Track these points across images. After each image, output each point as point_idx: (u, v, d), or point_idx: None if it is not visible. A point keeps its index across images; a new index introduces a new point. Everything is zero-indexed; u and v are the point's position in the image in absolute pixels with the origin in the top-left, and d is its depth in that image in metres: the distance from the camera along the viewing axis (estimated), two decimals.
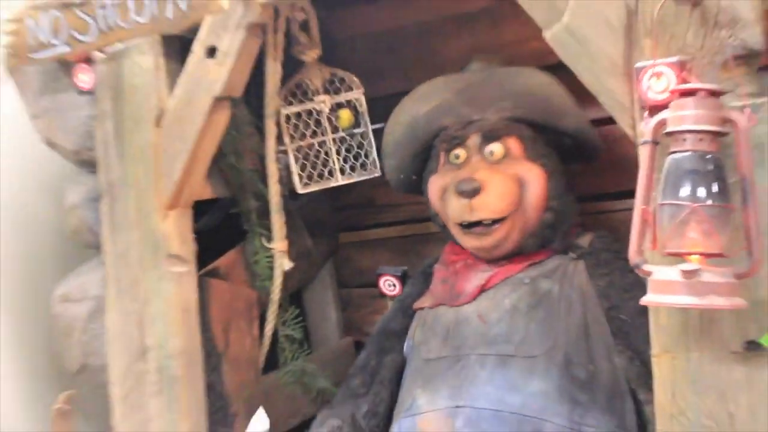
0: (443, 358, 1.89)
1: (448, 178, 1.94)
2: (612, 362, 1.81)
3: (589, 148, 1.98)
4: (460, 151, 1.92)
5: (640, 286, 1.70)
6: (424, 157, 2.01)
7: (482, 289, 1.92)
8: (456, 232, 1.96)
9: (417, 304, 2.06)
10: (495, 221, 1.87)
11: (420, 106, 1.98)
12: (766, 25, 1.43)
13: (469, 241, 1.93)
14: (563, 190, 1.94)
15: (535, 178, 1.89)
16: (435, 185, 1.97)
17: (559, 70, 1.84)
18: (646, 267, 1.42)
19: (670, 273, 1.36)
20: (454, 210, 1.90)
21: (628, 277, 1.87)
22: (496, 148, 1.88)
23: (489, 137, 1.88)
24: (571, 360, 1.79)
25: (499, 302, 1.89)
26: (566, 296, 1.87)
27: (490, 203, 1.85)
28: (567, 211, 1.96)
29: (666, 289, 1.37)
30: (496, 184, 1.85)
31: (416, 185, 2.08)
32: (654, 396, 1.55)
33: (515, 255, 1.93)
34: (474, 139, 1.90)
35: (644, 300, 1.42)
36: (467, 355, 1.84)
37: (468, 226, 1.90)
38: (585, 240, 1.98)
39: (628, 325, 1.82)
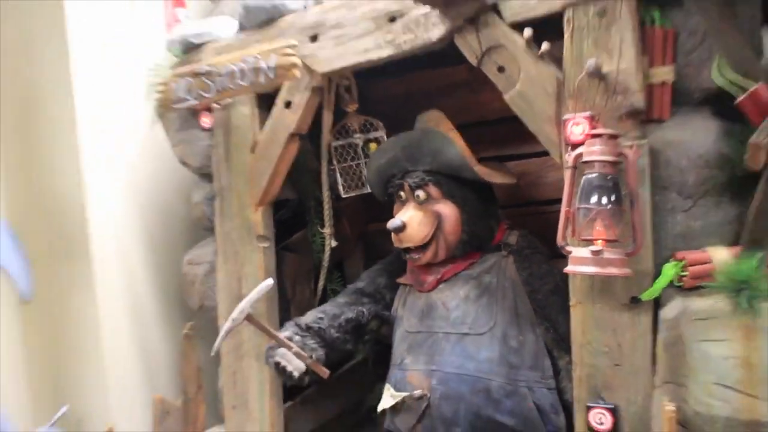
0: (420, 332, 1.77)
1: (398, 210, 1.83)
2: (535, 332, 1.70)
3: (486, 186, 1.82)
4: (401, 193, 1.80)
5: (552, 274, 1.73)
6: (387, 188, 1.86)
7: (439, 282, 1.79)
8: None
9: (400, 280, 1.91)
10: (419, 247, 1.75)
11: (381, 158, 1.84)
12: (647, 94, 1.41)
13: (407, 259, 1.82)
14: (476, 215, 1.78)
15: (449, 212, 1.74)
16: (394, 212, 1.84)
17: (514, 120, 1.85)
18: (568, 248, 1.41)
19: (584, 252, 1.35)
20: (393, 240, 1.79)
21: (543, 268, 1.75)
22: (420, 193, 1.75)
23: (415, 186, 1.75)
24: (507, 334, 1.68)
25: (456, 293, 1.76)
26: (502, 286, 1.74)
27: (412, 236, 1.73)
28: (481, 229, 1.79)
29: (581, 262, 1.36)
30: (415, 222, 1.73)
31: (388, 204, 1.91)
32: (571, 332, 1.51)
33: (454, 258, 1.78)
34: (407, 187, 1.77)
35: (567, 269, 1.40)
36: (436, 332, 1.74)
37: (403, 251, 1.80)
38: (513, 238, 1.81)
39: (544, 304, 1.71)
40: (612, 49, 1.40)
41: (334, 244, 2.05)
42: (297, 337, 1.75)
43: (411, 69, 1.95)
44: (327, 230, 2.04)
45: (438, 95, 2.10)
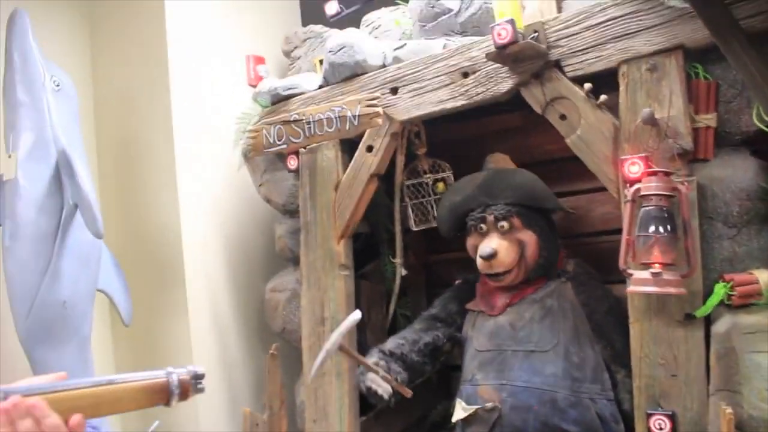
0: (489, 351, 1.87)
1: (477, 240, 1.91)
2: (594, 349, 1.79)
3: (555, 211, 1.96)
4: (482, 225, 1.88)
5: (606, 297, 1.86)
6: (461, 225, 1.96)
7: (508, 305, 1.89)
8: (482, 275, 1.95)
9: (469, 306, 2.02)
10: (505, 272, 1.86)
11: (456, 196, 1.95)
12: (693, 137, 1.54)
13: (492, 282, 1.91)
14: (549, 242, 1.89)
15: (530, 240, 1.85)
16: (469, 243, 1.94)
17: (563, 162, 1.98)
18: (630, 271, 1.54)
19: (644, 274, 1.48)
20: (480, 266, 1.87)
21: (598, 292, 1.87)
22: (504, 224, 1.84)
23: (499, 217, 1.85)
24: (569, 351, 1.78)
25: (521, 315, 1.86)
26: (562, 308, 1.84)
27: (501, 262, 1.83)
28: (553, 255, 1.91)
29: (642, 283, 1.48)
30: (504, 250, 1.83)
31: (456, 238, 2.02)
32: (631, 347, 1.61)
33: (524, 283, 1.89)
34: (490, 218, 1.86)
35: (629, 289, 1.52)
36: (505, 350, 1.84)
37: (489, 276, 1.90)
38: (570, 266, 1.92)
39: (601, 323, 1.81)
40: (662, 99, 1.56)
41: (404, 272, 2.18)
42: (382, 362, 1.86)
43: (470, 116, 2.06)
44: (398, 260, 2.17)
45: (494, 139, 2.23)
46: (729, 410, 1.37)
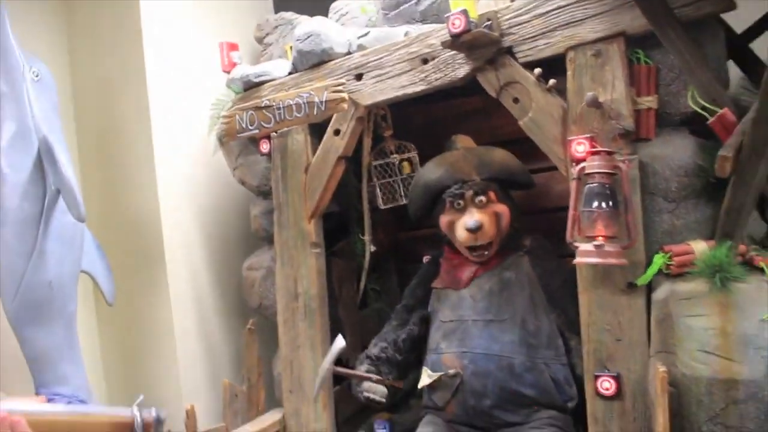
0: (452, 321, 1.97)
1: (453, 216, 1.98)
2: (548, 318, 1.92)
3: (529, 186, 2.07)
4: (460, 201, 1.96)
5: (560, 270, 1.96)
6: (432, 204, 2.04)
7: (472, 278, 2.00)
8: (463, 249, 2.01)
9: (434, 284, 2.10)
10: (488, 243, 1.96)
11: (431, 175, 2.02)
12: (635, 118, 1.64)
13: (473, 256, 1.99)
14: (516, 215, 2.01)
15: (504, 213, 1.96)
16: (444, 220, 2.00)
17: (524, 142, 2.00)
18: (576, 244, 1.64)
19: (588, 246, 1.57)
20: (464, 239, 1.95)
21: (553, 265, 1.98)
22: (482, 198, 1.93)
23: (478, 192, 1.93)
24: (525, 320, 1.89)
25: (482, 287, 1.97)
26: (519, 280, 1.95)
27: (486, 234, 1.93)
28: (520, 228, 2.04)
29: (587, 255, 1.58)
30: (487, 222, 1.93)
31: (423, 218, 2.11)
32: (580, 314, 1.71)
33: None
34: (469, 193, 1.94)
35: (575, 261, 1.62)
36: (466, 320, 1.94)
37: (472, 249, 1.98)
38: (527, 241, 2.03)
39: (556, 294, 1.93)
40: (606, 83, 1.65)
41: (373, 249, 2.28)
42: (373, 368, 2.01)
43: (434, 100, 2.14)
44: (367, 237, 2.27)
45: (456, 121, 2.32)
46: (662, 369, 1.48)
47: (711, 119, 1.56)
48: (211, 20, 2.67)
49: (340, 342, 1.91)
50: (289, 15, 2.49)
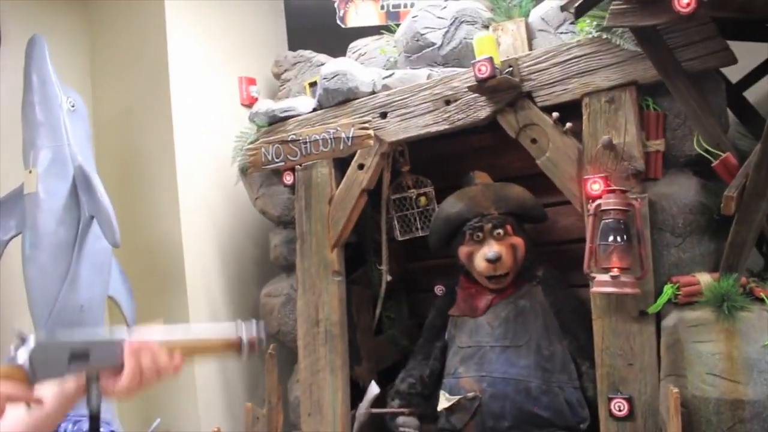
0: (470, 347, 2.10)
1: (472, 248, 2.13)
2: (561, 344, 2.05)
3: (542, 219, 2.23)
4: (479, 233, 2.11)
5: (571, 298, 2.12)
6: (452, 235, 2.19)
7: (488, 307, 2.14)
8: (481, 279, 2.15)
9: (451, 312, 2.24)
10: (506, 273, 2.12)
11: (451, 209, 2.17)
12: (646, 159, 1.82)
13: (491, 285, 2.14)
14: (530, 247, 2.16)
15: (520, 245, 2.11)
16: (463, 251, 2.15)
17: (531, 178, 2.16)
18: (593, 274, 1.80)
19: (605, 277, 1.73)
20: (484, 269, 2.10)
21: (565, 293, 2.14)
22: (500, 231, 2.09)
23: (496, 225, 2.10)
24: (540, 345, 2.03)
25: (498, 314, 2.11)
26: (533, 308, 2.10)
27: (504, 264, 2.08)
28: (533, 259, 2.17)
29: (603, 284, 1.74)
30: (505, 253, 2.08)
31: (442, 249, 2.26)
32: (594, 340, 1.86)
33: (503, 287, 2.15)
34: (488, 226, 2.10)
35: (593, 290, 1.78)
36: (484, 346, 2.08)
37: (491, 278, 2.13)
38: (540, 271, 2.17)
39: (568, 321, 2.08)
40: (619, 127, 1.84)
41: (389, 278, 2.41)
42: (404, 402, 2.19)
43: (447, 136, 2.26)
44: (384, 267, 2.40)
45: (468, 157, 2.47)
46: (675, 390, 1.64)
47: (715, 162, 1.74)
48: (230, 55, 2.83)
49: (374, 389, 2.11)
50: (308, 53, 2.66)
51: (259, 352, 1.27)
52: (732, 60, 1.75)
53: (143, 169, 2.58)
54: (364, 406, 2.08)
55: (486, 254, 2.10)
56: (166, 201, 2.52)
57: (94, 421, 1.12)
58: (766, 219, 1.70)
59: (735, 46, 1.74)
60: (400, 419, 2.15)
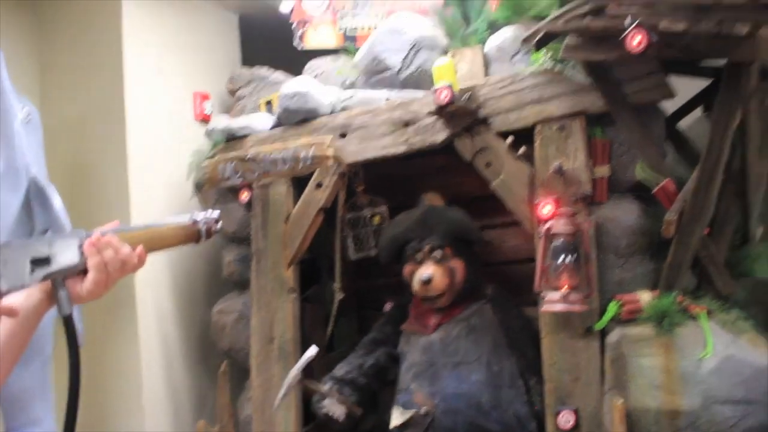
0: (423, 363, 2.17)
1: (413, 267, 2.20)
2: (510, 360, 2.13)
3: (480, 244, 2.30)
4: (419, 254, 2.18)
5: (520, 316, 2.23)
6: (399, 254, 2.25)
7: (438, 325, 2.21)
8: (418, 297, 2.24)
9: (404, 327, 2.31)
10: (438, 295, 2.18)
11: (396, 229, 2.27)
12: (592, 184, 1.95)
13: (425, 305, 2.23)
14: (473, 270, 2.23)
15: (458, 268, 2.18)
16: (406, 270, 2.23)
17: (483, 199, 2.26)
18: (543, 293, 1.93)
19: (555, 295, 1.86)
20: (417, 290, 2.18)
21: (513, 312, 2.23)
22: (438, 253, 2.16)
23: (434, 247, 2.17)
24: (490, 362, 2.11)
25: (450, 332, 2.18)
26: (483, 326, 2.17)
27: (436, 287, 2.15)
28: (476, 281, 2.24)
29: (553, 302, 1.86)
30: (438, 276, 2.15)
31: (392, 263, 2.31)
32: (542, 356, 1.97)
33: (452, 305, 2.21)
34: (426, 248, 2.17)
35: (543, 308, 1.90)
36: (435, 363, 2.15)
37: (424, 299, 2.21)
38: (489, 290, 2.25)
39: (516, 338, 2.16)
40: (569, 154, 1.97)
41: (341, 296, 2.46)
42: (336, 387, 2.19)
43: (401, 156, 2.34)
44: (337, 285, 2.45)
45: (422, 178, 2.50)
46: (620, 402, 1.78)
47: (656, 188, 1.90)
48: (185, 69, 2.85)
49: (312, 350, 2.09)
50: (264, 70, 2.71)
51: (214, 235, 1.28)
52: (671, 94, 1.92)
53: (94, 180, 2.56)
54: (296, 368, 2.04)
55: (419, 275, 2.19)
56: (118, 215, 2.49)
57: (70, 327, 1.12)
58: (701, 241, 1.86)
59: (671, 80, 1.91)
60: (327, 401, 2.14)
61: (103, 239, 1.14)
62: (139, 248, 1.18)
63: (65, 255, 1.12)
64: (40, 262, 1.10)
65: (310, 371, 2.26)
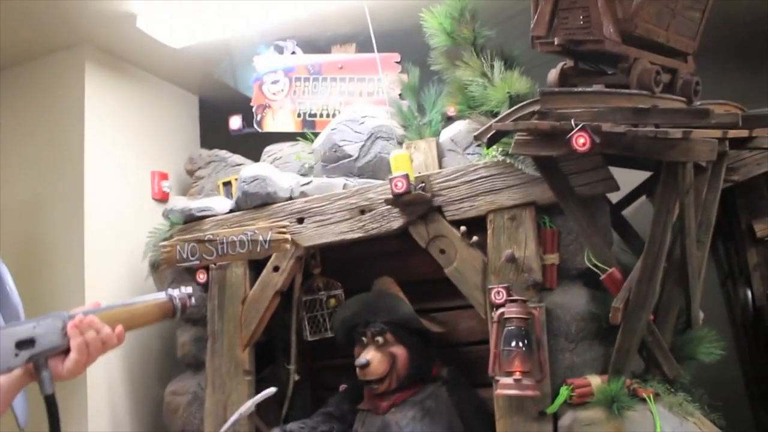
0: None
1: (360, 350, 2.26)
2: None
3: (422, 333, 2.30)
4: (363, 338, 2.25)
5: (474, 398, 2.28)
6: (350, 335, 2.32)
7: (391, 406, 2.22)
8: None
9: (360, 406, 2.32)
10: (378, 380, 2.21)
11: (346, 312, 2.33)
12: (543, 271, 2.02)
13: (367, 388, 2.28)
14: (420, 355, 2.26)
15: (401, 353, 2.23)
16: (356, 352, 2.28)
17: (437, 282, 2.28)
18: (497, 377, 1.95)
19: (508, 380, 1.88)
20: (358, 374, 2.22)
21: (467, 394, 2.27)
22: (380, 338, 2.22)
23: (376, 333, 2.23)
24: None
25: (405, 414, 2.19)
26: (439, 409, 2.20)
27: (373, 371, 2.20)
28: (424, 366, 2.28)
29: (507, 387, 1.89)
30: (377, 361, 2.20)
31: (346, 346, 2.37)
32: None
33: (402, 389, 2.24)
34: (369, 334, 2.24)
35: (497, 392, 1.94)
36: None
37: (364, 383, 2.25)
38: (444, 372, 2.29)
39: (470, 420, 2.20)
40: (520, 242, 2.05)
41: (297, 377, 2.48)
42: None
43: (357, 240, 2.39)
44: (293, 366, 2.47)
45: (378, 260, 2.57)
46: None
47: (603, 276, 1.97)
48: (144, 147, 2.90)
49: (270, 390, 2.06)
50: (223, 153, 2.78)
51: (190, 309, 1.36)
52: (615, 187, 2.02)
53: (49, 258, 2.55)
54: (252, 402, 1.99)
55: (357, 360, 2.24)
56: (72, 293, 2.49)
57: (52, 406, 1.17)
58: (647, 327, 1.95)
59: (615, 170, 2.02)
60: None
61: (85, 321, 1.20)
62: (119, 328, 1.24)
63: (48, 337, 1.18)
64: (24, 344, 1.15)
65: None
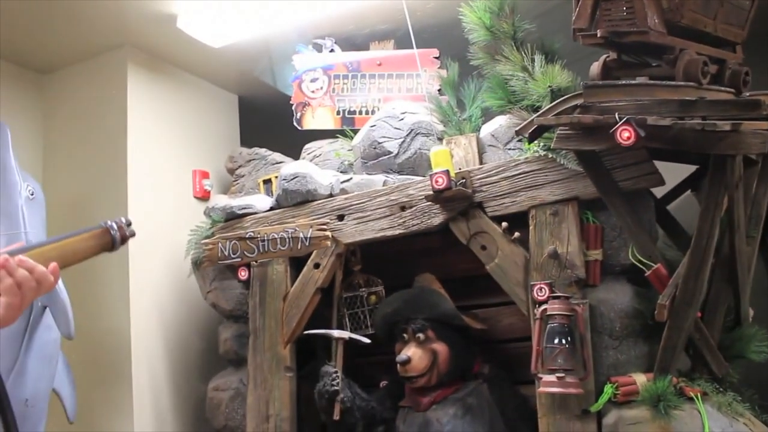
0: None
1: (401, 347, 2.26)
2: None
3: (463, 330, 2.29)
4: (404, 335, 2.25)
5: (515, 395, 2.26)
6: (391, 332, 2.31)
7: (432, 403, 2.22)
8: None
9: (401, 403, 2.32)
10: (418, 376, 2.21)
11: (388, 308, 2.32)
12: (586, 268, 2.00)
13: (407, 384, 2.27)
14: (461, 352, 2.25)
15: (442, 350, 2.21)
16: (397, 348, 2.28)
17: (477, 279, 2.30)
18: (540, 374, 1.94)
19: (551, 378, 1.88)
20: (399, 369, 2.22)
21: (509, 391, 2.26)
22: (421, 335, 2.20)
23: (417, 330, 2.22)
24: None
25: (446, 412, 2.19)
26: (480, 406, 2.18)
27: (414, 368, 2.19)
28: (465, 363, 2.26)
29: (549, 385, 1.88)
30: (417, 357, 2.19)
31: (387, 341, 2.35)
32: None
33: (443, 386, 2.23)
34: (410, 331, 2.23)
35: (539, 390, 1.92)
36: None
37: (404, 378, 2.25)
38: (486, 369, 2.28)
39: (512, 418, 2.18)
40: (563, 238, 2.03)
41: (339, 374, 2.44)
42: (349, 394, 2.25)
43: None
44: (334, 363, 2.38)
45: (418, 257, 2.57)
46: None
47: (648, 272, 1.94)
48: (185, 147, 2.94)
49: (366, 340, 2.27)
50: (263, 151, 2.80)
51: (128, 241, 1.24)
52: (660, 182, 1.99)
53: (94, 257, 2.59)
54: (348, 334, 2.15)
55: (398, 357, 2.24)
56: (116, 291, 2.54)
57: None
58: (694, 324, 1.91)
59: (659, 164, 1.98)
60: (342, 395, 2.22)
61: (11, 260, 1.08)
62: (53, 265, 1.13)
63: None
64: None
65: None
